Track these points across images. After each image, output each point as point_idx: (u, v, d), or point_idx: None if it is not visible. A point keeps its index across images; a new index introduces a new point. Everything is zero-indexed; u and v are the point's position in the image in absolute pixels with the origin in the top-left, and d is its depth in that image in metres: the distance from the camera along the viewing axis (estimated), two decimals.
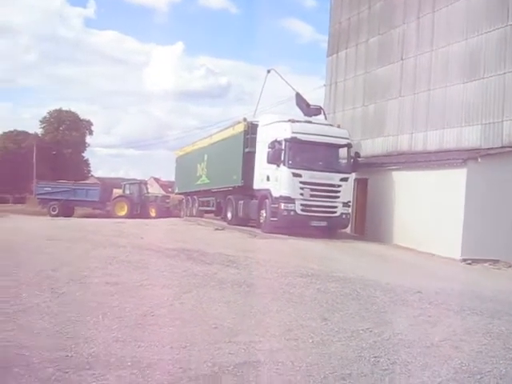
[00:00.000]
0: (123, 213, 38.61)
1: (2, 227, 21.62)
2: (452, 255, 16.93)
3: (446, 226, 17.62)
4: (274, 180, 20.05)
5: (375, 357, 6.23)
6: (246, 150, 22.35)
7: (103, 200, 40.53)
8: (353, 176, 21.04)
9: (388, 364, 6.02)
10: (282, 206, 19.30)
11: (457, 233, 17.03)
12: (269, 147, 19.89)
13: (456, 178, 17.45)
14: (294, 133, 19.60)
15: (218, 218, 27.11)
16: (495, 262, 16.41)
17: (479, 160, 17.10)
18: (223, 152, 25.67)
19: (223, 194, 25.39)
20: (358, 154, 21.37)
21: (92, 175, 75.73)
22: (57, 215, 37.91)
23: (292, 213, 19.31)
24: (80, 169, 73.80)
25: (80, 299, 8.21)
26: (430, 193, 18.72)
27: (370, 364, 5.99)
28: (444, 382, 5.58)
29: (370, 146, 24.03)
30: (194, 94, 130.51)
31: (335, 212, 19.84)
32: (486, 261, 16.41)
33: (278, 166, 19.69)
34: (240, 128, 23.23)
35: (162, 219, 31.66)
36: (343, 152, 20.72)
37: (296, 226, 19.66)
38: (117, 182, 48.15)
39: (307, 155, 19.96)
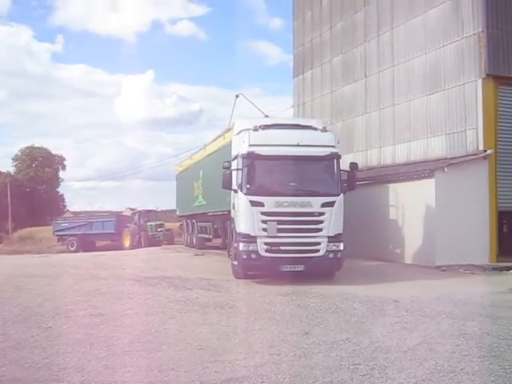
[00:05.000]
0: (128, 243, 37.66)
1: None
2: (427, 263, 17.37)
3: (419, 235, 18.10)
4: (237, 210, 15.17)
5: (354, 364, 6.54)
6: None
7: (119, 231, 39.36)
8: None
9: (367, 370, 6.32)
10: (241, 246, 14.15)
11: (430, 241, 17.55)
12: (223, 167, 15.03)
13: (425, 189, 17.96)
14: (251, 146, 14.25)
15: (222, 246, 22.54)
16: (469, 266, 16.85)
17: (446, 170, 17.66)
18: (216, 167, 18.80)
19: (220, 218, 21.19)
20: (354, 166, 15.54)
21: (68, 210, 75.16)
22: (76, 251, 36.97)
23: (253, 255, 13.98)
24: (55, 204, 73.36)
25: (67, 332, 8.40)
26: (402, 204, 19.18)
27: (350, 371, 6.29)
28: (419, 382, 5.90)
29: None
30: (167, 121, 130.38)
31: (317, 251, 14.06)
32: (460, 266, 16.84)
33: (236, 191, 14.82)
34: (231, 137, 18.00)
35: (142, 249, 31.78)
36: (328, 165, 14.70)
37: (262, 272, 14.66)
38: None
39: (272, 175, 14.73)
